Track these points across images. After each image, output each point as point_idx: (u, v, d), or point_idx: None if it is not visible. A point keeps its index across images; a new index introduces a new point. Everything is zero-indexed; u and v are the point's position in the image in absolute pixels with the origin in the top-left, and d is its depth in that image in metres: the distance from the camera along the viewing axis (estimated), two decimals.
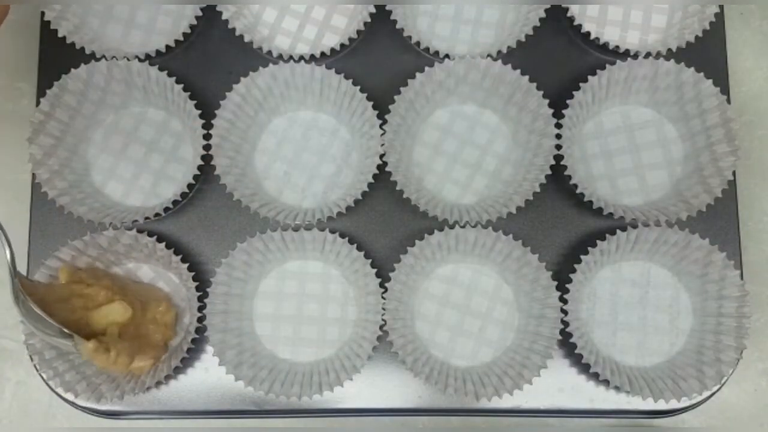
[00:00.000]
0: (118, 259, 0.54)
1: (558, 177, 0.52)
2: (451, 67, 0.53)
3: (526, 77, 0.53)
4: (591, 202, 0.52)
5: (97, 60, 0.54)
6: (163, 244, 0.52)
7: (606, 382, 0.51)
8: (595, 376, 0.52)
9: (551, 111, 0.52)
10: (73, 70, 0.53)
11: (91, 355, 0.46)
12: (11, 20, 0.50)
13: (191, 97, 0.53)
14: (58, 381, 0.50)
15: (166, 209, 0.53)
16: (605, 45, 0.56)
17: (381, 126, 0.52)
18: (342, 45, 0.56)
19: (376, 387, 0.53)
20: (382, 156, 0.51)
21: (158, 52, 0.56)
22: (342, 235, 0.52)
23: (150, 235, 0.52)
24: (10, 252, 0.45)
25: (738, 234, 0.55)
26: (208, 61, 0.57)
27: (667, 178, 0.55)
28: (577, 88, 0.53)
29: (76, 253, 0.52)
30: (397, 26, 0.55)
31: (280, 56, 0.55)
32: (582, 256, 0.51)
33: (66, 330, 0.45)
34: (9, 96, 0.60)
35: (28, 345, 0.51)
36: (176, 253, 0.52)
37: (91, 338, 0.46)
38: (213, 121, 0.52)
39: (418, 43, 0.56)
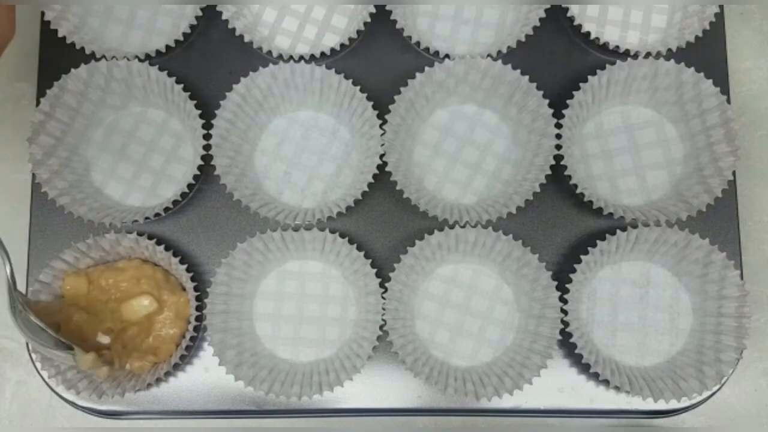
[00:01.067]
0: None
1: (558, 177, 0.52)
2: (451, 67, 0.53)
3: (526, 77, 0.53)
4: (591, 202, 0.52)
5: (97, 60, 0.54)
6: (162, 246, 0.52)
7: (606, 382, 0.51)
8: (595, 376, 0.52)
9: (551, 111, 0.52)
10: (73, 70, 0.53)
11: (90, 366, 0.47)
12: None
13: (191, 97, 0.53)
14: (60, 379, 0.50)
15: (166, 209, 0.53)
16: (605, 45, 0.56)
17: (381, 126, 0.52)
18: (342, 45, 0.56)
19: (376, 387, 0.53)
20: (382, 156, 0.51)
21: (158, 52, 0.56)
22: (342, 235, 0.52)
23: (150, 236, 0.52)
24: (9, 267, 0.44)
25: (738, 234, 0.55)
26: (208, 61, 0.57)
27: (667, 178, 0.55)
28: (577, 88, 0.53)
29: (79, 255, 0.52)
30: (397, 26, 0.55)
31: (280, 56, 0.55)
32: (582, 256, 0.51)
33: (65, 341, 0.46)
34: (9, 96, 0.60)
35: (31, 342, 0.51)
36: (176, 254, 0.52)
37: (119, 334, 0.49)
38: (213, 121, 0.52)
39: (418, 43, 0.56)
